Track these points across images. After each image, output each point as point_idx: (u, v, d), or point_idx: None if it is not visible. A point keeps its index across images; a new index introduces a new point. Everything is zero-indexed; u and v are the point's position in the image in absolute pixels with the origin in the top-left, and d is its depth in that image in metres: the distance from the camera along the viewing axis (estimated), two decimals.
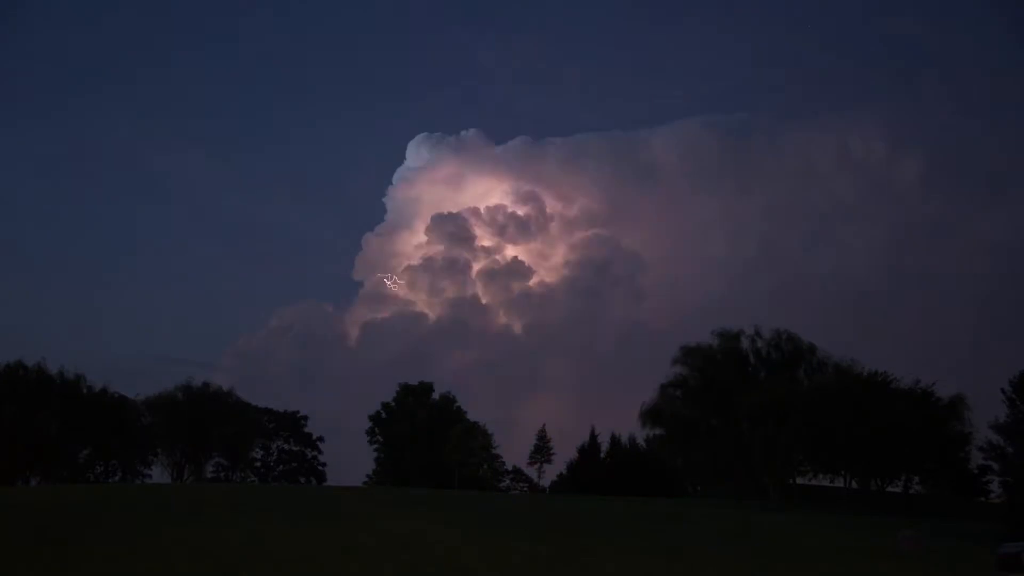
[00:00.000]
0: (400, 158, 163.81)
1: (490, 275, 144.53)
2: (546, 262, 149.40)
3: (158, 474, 70.15)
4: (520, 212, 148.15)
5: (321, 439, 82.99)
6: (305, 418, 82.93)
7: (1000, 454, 49.86)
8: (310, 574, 20.78)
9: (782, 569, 26.28)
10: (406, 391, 79.88)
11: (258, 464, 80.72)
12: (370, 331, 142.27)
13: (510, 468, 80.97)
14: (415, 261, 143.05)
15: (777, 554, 29.08)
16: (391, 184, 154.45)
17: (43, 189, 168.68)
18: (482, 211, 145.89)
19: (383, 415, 79.80)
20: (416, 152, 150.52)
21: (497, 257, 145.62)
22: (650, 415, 60.53)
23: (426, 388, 79.92)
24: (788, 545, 31.62)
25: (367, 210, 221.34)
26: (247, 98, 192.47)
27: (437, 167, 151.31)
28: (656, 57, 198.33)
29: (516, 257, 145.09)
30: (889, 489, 59.65)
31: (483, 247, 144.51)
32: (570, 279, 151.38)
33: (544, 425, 75.71)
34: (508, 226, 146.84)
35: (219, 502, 35.53)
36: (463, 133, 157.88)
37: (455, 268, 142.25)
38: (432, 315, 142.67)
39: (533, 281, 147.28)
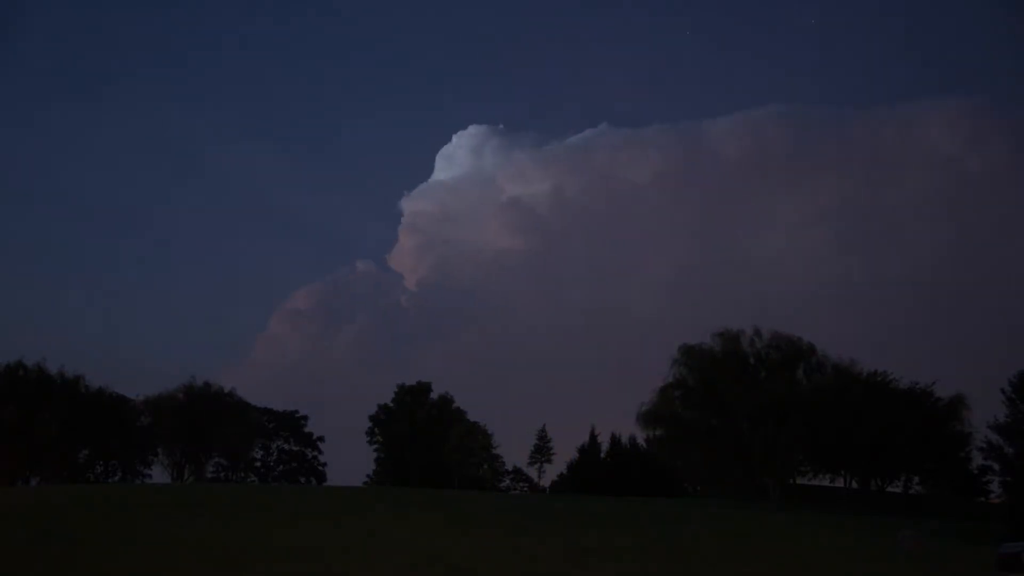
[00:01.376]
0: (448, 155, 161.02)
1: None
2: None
3: (158, 474, 70.26)
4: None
5: (321, 439, 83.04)
6: (305, 418, 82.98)
7: (1000, 454, 49.83)
8: (310, 574, 20.78)
9: (782, 569, 26.28)
10: (404, 391, 79.89)
11: (258, 464, 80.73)
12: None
13: (510, 468, 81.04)
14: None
15: (777, 554, 29.08)
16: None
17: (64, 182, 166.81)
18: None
19: (382, 415, 79.82)
20: (468, 148, 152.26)
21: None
22: (649, 416, 60.49)
23: (424, 388, 79.92)
24: (788, 545, 31.62)
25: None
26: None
27: (499, 163, 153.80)
28: (724, 45, 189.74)
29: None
30: (889, 489, 59.68)
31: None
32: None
33: (544, 425, 75.72)
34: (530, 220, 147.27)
35: (219, 502, 35.54)
36: (513, 127, 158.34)
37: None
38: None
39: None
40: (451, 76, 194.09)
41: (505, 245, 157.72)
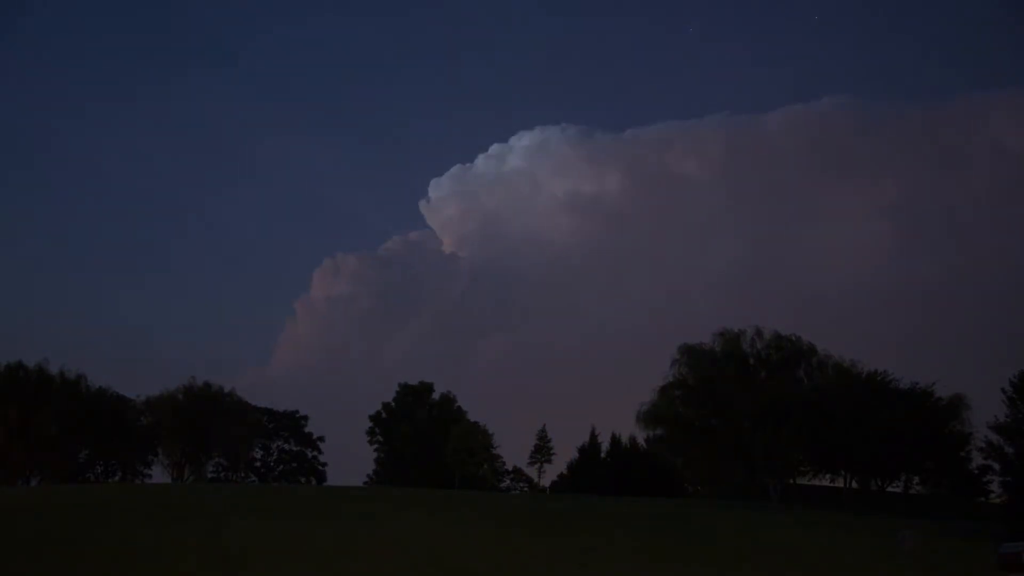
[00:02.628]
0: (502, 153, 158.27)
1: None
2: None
3: (158, 474, 70.19)
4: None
5: (321, 439, 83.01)
6: (305, 418, 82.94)
7: (1000, 454, 49.70)
8: (310, 573, 20.78)
9: (782, 569, 26.29)
10: (406, 391, 79.86)
11: (258, 464, 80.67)
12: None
13: (510, 468, 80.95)
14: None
15: (777, 554, 29.08)
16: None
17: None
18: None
19: (383, 415, 79.81)
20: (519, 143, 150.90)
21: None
22: (649, 416, 60.47)
23: (426, 388, 79.88)
24: (788, 545, 31.62)
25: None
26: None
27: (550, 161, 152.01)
28: (779, 37, 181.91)
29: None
30: (889, 489, 59.59)
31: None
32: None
33: (544, 425, 75.67)
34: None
35: (219, 502, 35.53)
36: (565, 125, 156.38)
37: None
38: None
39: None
40: (507, 71, 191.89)
41: (553, 242, 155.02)
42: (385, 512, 33.96)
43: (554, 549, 26.69)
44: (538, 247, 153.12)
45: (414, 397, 79.20)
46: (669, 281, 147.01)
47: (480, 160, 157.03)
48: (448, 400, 79.30)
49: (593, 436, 74.02)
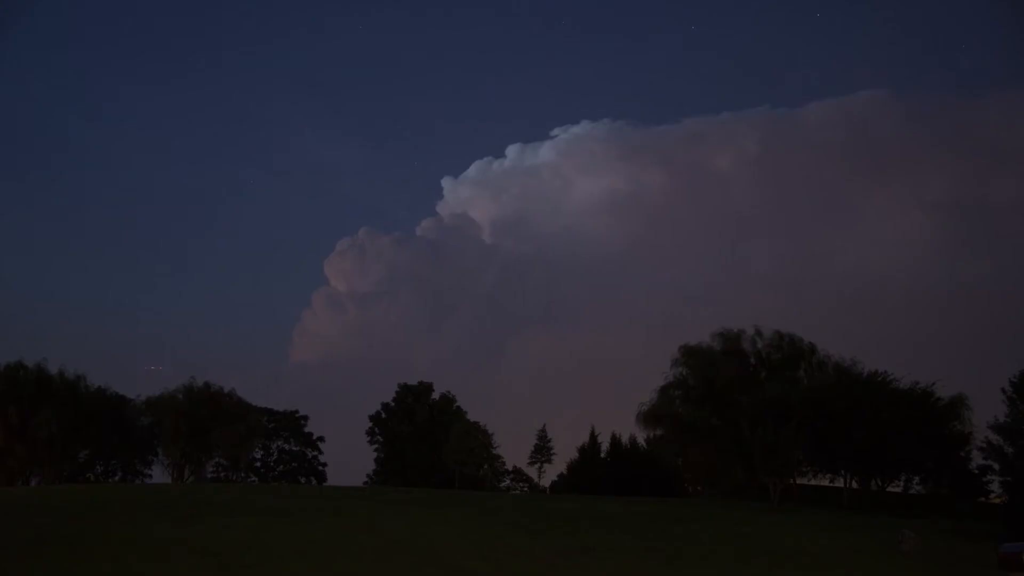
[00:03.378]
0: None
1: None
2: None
3: (158, 474, 70.03)
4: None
5: (321, 439, 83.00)
6: (305, 418, 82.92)
7: (1000, 454, 49.74)
8: (310, 573, 20.79)
9: (782, 570, 26.29)
10: (405, 391, 79.88)
11: (258, 464, 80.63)
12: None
13: (510, 468, 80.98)
14: None
15: (777, 554, 29.09)
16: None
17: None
18: None
19: (383, 415, 79.84)
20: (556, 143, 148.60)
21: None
22: (649, 416, 60.47)
23: (426, 388, 79.90)
24: (788, 545, 31.62)
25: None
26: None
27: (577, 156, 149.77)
28: (818, 27, 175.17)
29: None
30: (889, 489, 59.59)
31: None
32: None
33: (544, 425, 75.72)
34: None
35: (219, 502, 35.54)
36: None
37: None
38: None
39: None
40: (539, 64, 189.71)
41: (583, 238, 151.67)
42: (385, 512, 33.96)
43: (554, 549, 26.69)
44: (569, 245, 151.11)
45: (414, 397, 79.25)
46: (706, 278, 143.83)
47: (510, 155, 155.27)
48: (448, 400, 79.34)
49: (593, 436, 74.07)
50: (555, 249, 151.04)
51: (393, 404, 79.81)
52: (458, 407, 78.72)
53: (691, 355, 60.31)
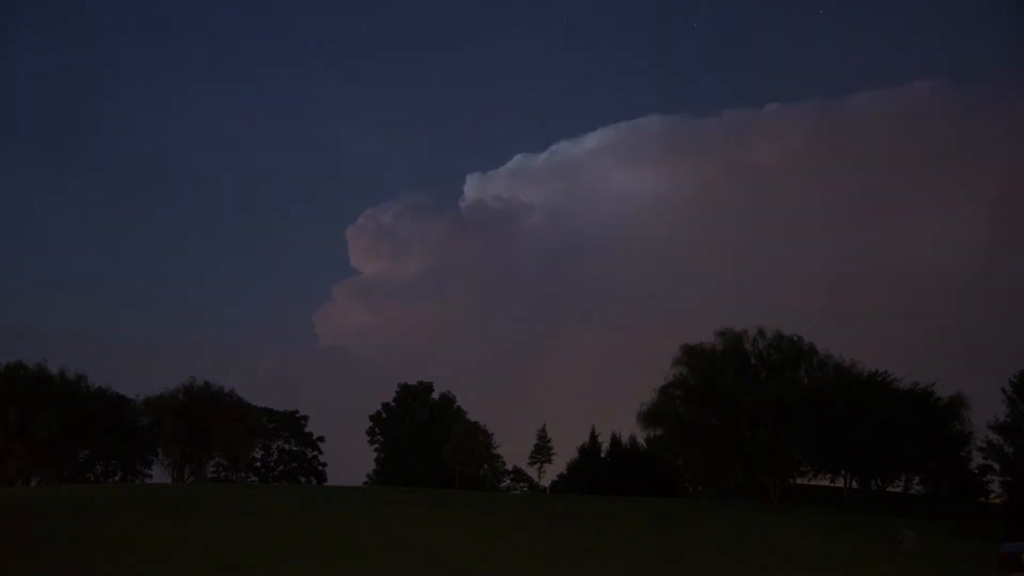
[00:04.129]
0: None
1: None
2: None
3: (158, 474, 70.10)
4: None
5: (321, 439, 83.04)
6: (305, 418, 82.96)
7: (1000, 454, 49.75)
8: (310, 573, 20.79)
9: (782, 570, 26.30)
10: (406, 391, 79.93)
11: (258, 464, 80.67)
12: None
13: (510, 468, 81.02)
14: None
15: (777, 554, 29.09)
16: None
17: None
18: None
19: (383, 415, 79.89)
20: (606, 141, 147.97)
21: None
22: (650, 416, 60.47)
23: (426, 388, 79.96)
24: (788, 545, 31.64)
25: None
26: None
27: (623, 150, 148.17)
28: (866, 13, 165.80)
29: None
30: (889, 489, 59.59)
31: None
32: None
33: (544, 425, 75.76)
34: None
35: (219, 502, 35.54)
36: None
37: None
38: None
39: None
40: (579, 59, 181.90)
41: (622, 234, 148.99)
42: (385, 512, 33.96)
43: (554, 549, 26.70)
44: (604, 241, 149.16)
45: (414, 397, 79.31)
46: (747, 275, 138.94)
47: (549, 150, 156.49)
48: (448, 400, 79.39)
49: (593, 436, 74.08)
50: (590, 243, 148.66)
51: (393, 404, 79.88)
52: (458, 407, 78.79)
53: (691, 355, 60.32)
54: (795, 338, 59.69)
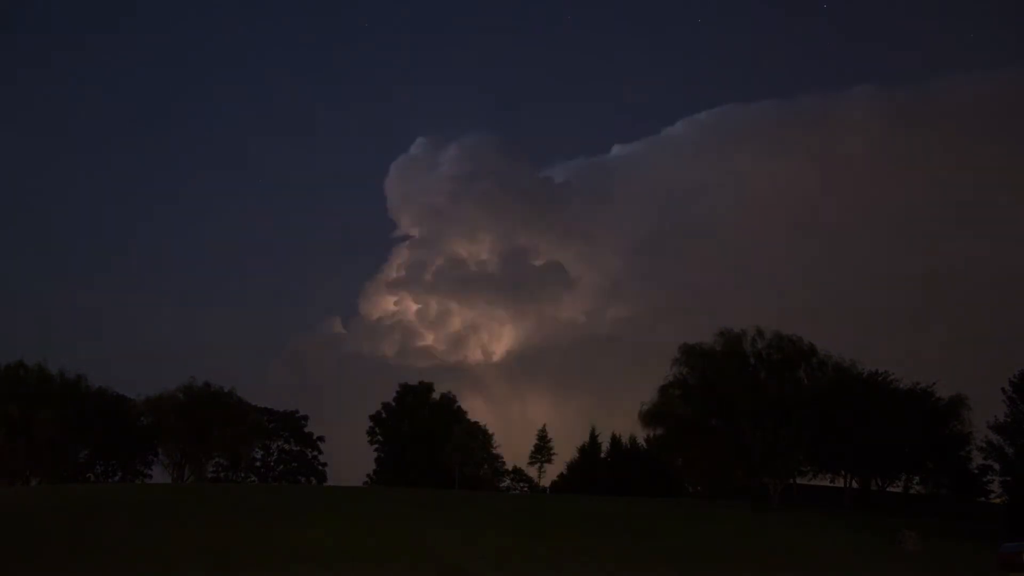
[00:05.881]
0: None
1: None
2: None
3: (158, 474, 70.01)
4: None
5: (321, 439, 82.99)
6: (305, 418, 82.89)
7: (1000, 454, 49.79)
8: (310, 573, 20.78)
9: (782, 570, 26.30)
10: (406, 391, 79.88)
11: (258, 464, 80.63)
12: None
13: (510, 468, 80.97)
14: None
15: (777, 554, 29.09)
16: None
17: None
18: None
19: (383, 415, 79.82)
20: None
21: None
22: (649, 416, 60.46)
23: (426, 388, 79.90)
24: (789, 545, 31.63)
25: None
26: None
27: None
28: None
29: None
30: (889, 489, 59.58)
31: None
32: None
33: (544, 425, 75.77)
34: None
35: (219, 502, 35.53)
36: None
37: None
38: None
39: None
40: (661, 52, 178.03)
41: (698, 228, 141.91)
42: (385, 512, 33.95)
43: (554, 549, 26.69)
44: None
45: (414, 397, 79.24)
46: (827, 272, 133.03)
47: (617, 148, 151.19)
48: (448, 400, 79.36)
49: (593, 436, 74.08)
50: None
51: (394, 404, 79.81)
52: (458, 407, 78.76)
53: (691, 355, 60.29)
54: (795, 338, 59.66)
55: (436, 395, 79.61)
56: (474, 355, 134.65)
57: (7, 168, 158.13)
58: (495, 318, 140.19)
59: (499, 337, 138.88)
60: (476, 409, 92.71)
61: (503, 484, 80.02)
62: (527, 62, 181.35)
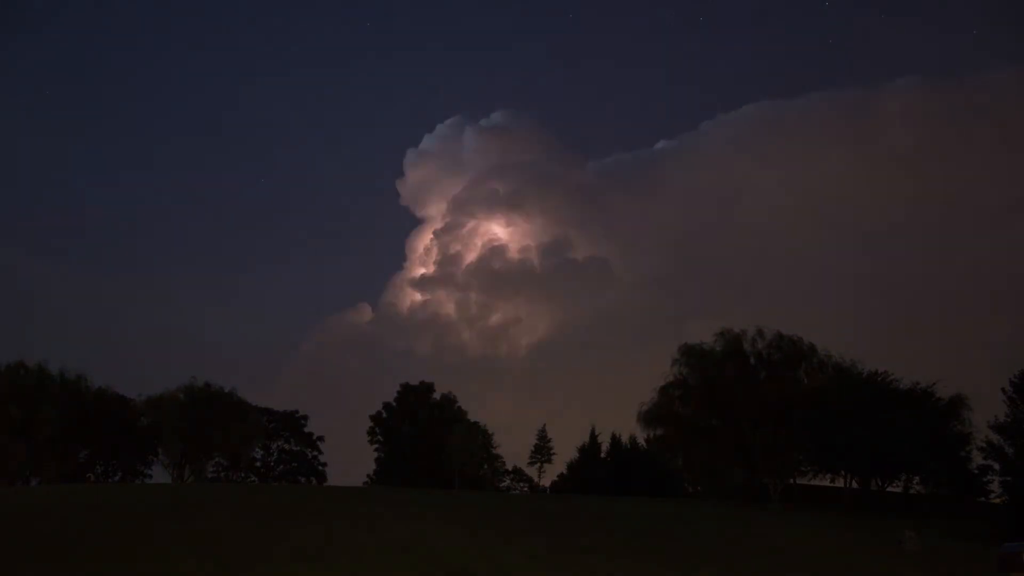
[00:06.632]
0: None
1: None
2: None
3: (158, 474, 70.21)
4: None
5: (321, 439, 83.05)
6: (305, 418, 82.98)
7: (1000, 454, 49.79)
8: (310, 573, 20.78)
9: (783, 570, 26.30)
10: (407, 391, 79.95)
11: (258, 464, 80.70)
12: None
13: (510, 468, 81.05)
14: None
15: (777, 555, 29.09)
16: None
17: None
18: None
19: (384, 415, 79.90)
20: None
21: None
22: (649, 416, 60.50)
23: (427, 388, 79.99)
24: (789, 546, 31.63)
25: None
26: None
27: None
28: None
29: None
30: (889, 489, 59.61)
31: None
32: None
33: (544, 425, 75.83)
34: None
35: (219, 502, 35.52)
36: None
37: None
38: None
39: None
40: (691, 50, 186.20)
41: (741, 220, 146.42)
42: (385, 512, 33.94)
43: (554, 549, 26.69)
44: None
45: (415, 397, 79.31)
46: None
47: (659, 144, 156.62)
48: (449, 400, 79.43)
49: (593, 436, 74.14)
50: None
51: (395, 404, 79.88)
52: (459, 407, 78.84)
53: (691, 355, 60.33)
54: (795, 338, 59.76)
55: (437, 395, 79.76)
56: (500, 350, 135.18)
57: (12, 169, 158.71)
58: (517, 312, 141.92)
59: (527, 331, 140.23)
60: (498, 404, 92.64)
61: (503, 484, 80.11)
62: (571, 53, 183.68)
